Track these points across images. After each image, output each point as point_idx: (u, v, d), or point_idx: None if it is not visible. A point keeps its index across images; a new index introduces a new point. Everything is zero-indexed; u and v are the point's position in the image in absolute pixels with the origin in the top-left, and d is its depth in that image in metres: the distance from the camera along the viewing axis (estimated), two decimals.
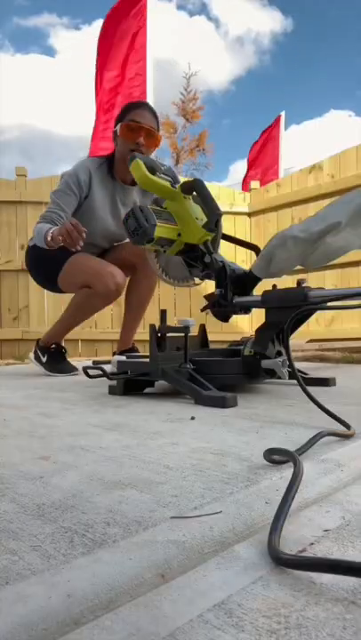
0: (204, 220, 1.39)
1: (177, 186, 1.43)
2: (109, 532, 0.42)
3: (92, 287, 1.86)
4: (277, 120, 7.67)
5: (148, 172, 1.40)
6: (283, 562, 0.36)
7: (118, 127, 1.87)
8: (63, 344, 2.18)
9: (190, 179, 1.46)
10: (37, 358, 2.13)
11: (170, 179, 1.45)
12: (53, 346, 2.11)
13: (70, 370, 2.09)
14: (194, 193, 1.43)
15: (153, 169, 1.42)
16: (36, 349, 2.14)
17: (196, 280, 1.59)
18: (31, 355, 2.18)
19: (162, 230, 1.32)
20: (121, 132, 1.85)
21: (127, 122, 1.84)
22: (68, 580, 0.34)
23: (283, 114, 7.59)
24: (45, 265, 2.00)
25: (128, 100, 4.88)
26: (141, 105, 1.96)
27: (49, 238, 1.69)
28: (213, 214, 1.36)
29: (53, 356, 2.10)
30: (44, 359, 2.10)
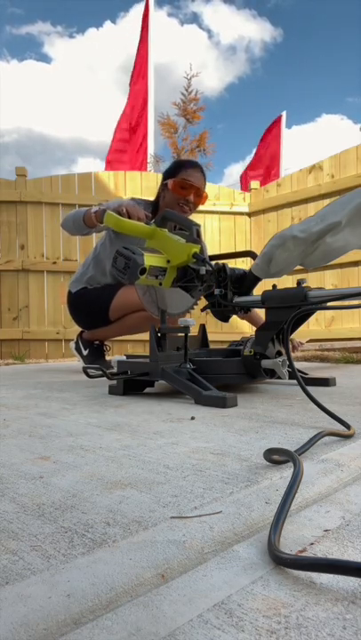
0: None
1: (151, 223, 1.45)
2: (109, 532, 0.42)
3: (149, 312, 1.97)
4: (278, 121, 7.66)
5: (120, 218, 1.43)
6: (283, 562, 0.36)
7: (170, 182, 1.98)
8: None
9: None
10: (78, 349, 2.23)
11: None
12: (97, 342, 2.20)
13: (107, 367, 2.14)
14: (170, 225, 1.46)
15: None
16: (78, 340, 2.23)
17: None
18: (72, 344, 2.27)
19: (151, 259, 1.31)
20: (173, 188, 1.97)
21: (180, 179, 1.97)
22: (68, 580, 0.34)
23: (284, 114, 7.58)
24: (93, 304, 2.12)
25: (135, 110, 5.11)
26: (195, 165, 2.09)
27: (92, 211, 1.83)
28: (192, 226, 1.38)
29: (94, 352, 2.20)
30: (85, 352, 2.20)
